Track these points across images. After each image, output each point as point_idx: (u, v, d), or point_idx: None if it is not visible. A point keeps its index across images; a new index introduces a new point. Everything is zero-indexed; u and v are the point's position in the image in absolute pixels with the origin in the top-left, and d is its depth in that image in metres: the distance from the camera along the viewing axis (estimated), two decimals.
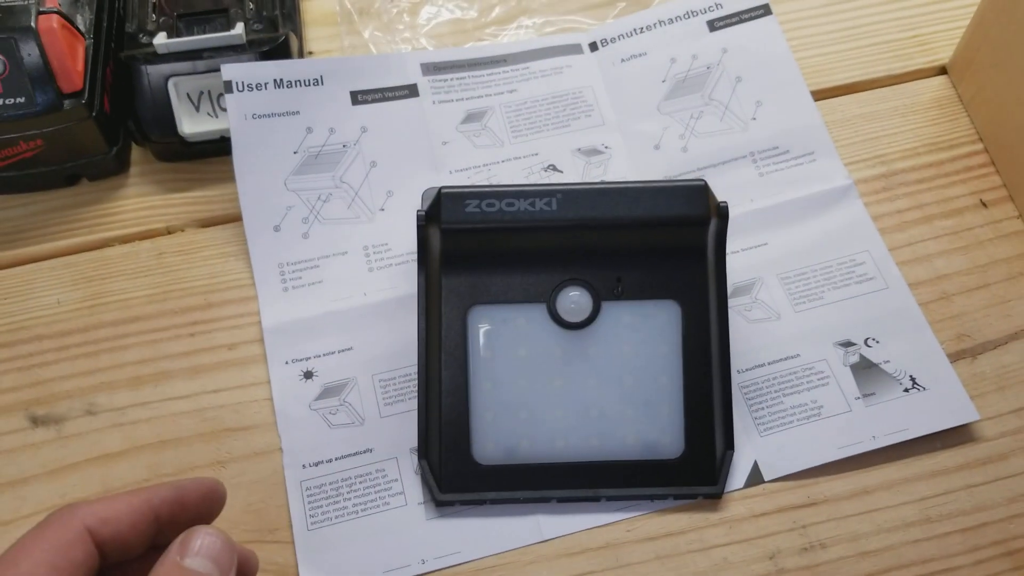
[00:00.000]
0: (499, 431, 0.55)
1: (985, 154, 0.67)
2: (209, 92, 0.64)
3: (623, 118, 0.68)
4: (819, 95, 0.69)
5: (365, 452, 0.57)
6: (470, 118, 0.67)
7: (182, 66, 0.63)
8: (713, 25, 0.70)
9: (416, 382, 0.57)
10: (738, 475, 0.56)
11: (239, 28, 0.64)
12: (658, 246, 0.55)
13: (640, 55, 0.69)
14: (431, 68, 0.68)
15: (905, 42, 0.72)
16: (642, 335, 0.55)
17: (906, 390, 0.58)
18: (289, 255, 0.62)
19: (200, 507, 0.44)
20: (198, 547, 0.40)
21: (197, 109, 0.65)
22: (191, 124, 0.64)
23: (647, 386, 0.55)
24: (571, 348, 0.55)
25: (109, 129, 0.64)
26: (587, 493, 0.55)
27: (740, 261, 0.62)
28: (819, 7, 0.73)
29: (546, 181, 0.65)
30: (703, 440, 0.55)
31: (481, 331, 0.55)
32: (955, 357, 0.59)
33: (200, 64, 0.63)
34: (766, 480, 0.56)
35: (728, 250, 0.56)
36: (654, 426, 0.55)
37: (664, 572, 0.53)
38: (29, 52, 0.59)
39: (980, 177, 0.66)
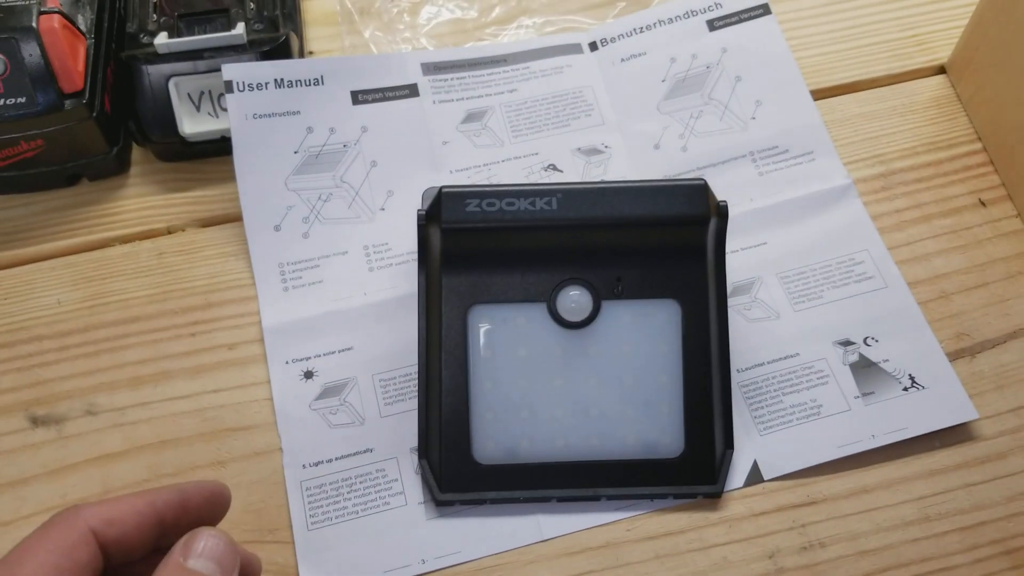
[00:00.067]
0: (499, 431, 0.55)
1: (984, 153, 0.67)
2: (210, 92, 0.64)
3: (623, 118, 0.68)
4: (818, 94, 0.69)
5: (365, 452, 0.57)
6: (470, 118, 0.67)
7: (183, 66, 0.63)
8: (713, 25, 0.70)
9: (416, 382, 0.57)
10: (738, 474, 0.56)
11: (240, 28, 0.64)
12: (658, 245, 0.55)
13: (640, 55, 0.70)
14: (431, 68, 0.68)
15: (904, 42, 0.72)
16: (642, 334, 0.55)
17: (905, 389, 0.58)
18: (289, 255, 0.62)
19: (204, 510, 0.44)
20: (201, 548, 0.40)
21: (198, 109, 0.65)
22: (192, 124, 0.64)
23: (647, 385, 0.55)
24: (571, 347, 0.55)
25: (110, 129, 0.64)
26: (587, 492, 0.55)
27: (740, 260, 0.62)
28: (818, 7, 0.73)
29: (546, 181, 0.65)
30: (703, 439, 0.55)
31: (481, 330, 0.55)
32: (954, 356, 0.59)
33: (201, 64, 0.63)
34: (765, 479, 0.56)
35: (728, 249, 0.56)
36: (654, 425, 0.55)
37: (664, 571, 0.53)
38: (30, 52, 0.59)
39: (979, 176, 0.66)
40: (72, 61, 0.60)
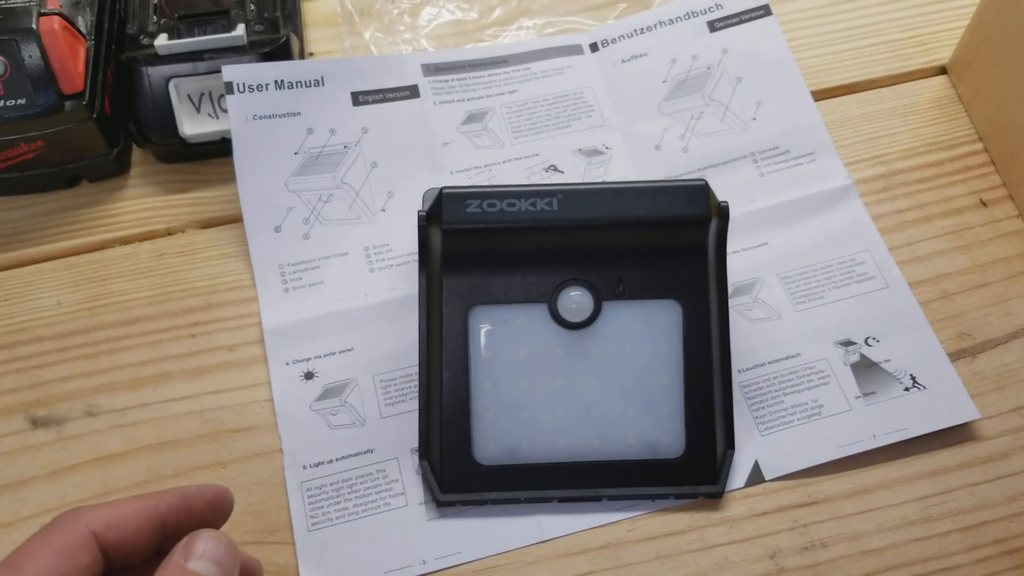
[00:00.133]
0: (500, 431, 0.55)
1: (985, 154, 0.67)
2: (210, 93, 0.64)
3: (624, 119, 0.68)
4: (819, 95, 0.69)
5: (366, 453, 0.57)
6: (471, 119, 0.67)
7: (183, 67, 0.63)
8: (713, 26, 0.70)
9: (417, 382, 0.57)
10: (739, 474, 0.56)
11: (240, 29, 0.64)
12: (659, 246, 0.55)
13: (641, 56, 0.70)
14: (432, 69, 0.68)
15: (905, 42, 0.72)
16: (643, 335, 0.55)
17: (906, 389, 0.58)
18: (290, 256, 0.62)
19: (206, 514, 0.44)
20: (202, 551, 0.40)
21: (198, 110, 0.65)
22: (192, 125, 0.64)
23: (648, 386, 0.55)
24: (572, 348, 0.55)
25: (110, 130, 0.64)
26: (588, 493, 0.55)
27: (741, 261, 0.62)
28: (819, 7, 0.73)
29: (547, 182, 0.65)
30: (704, 439, 0.55)
31: (482, 331, 0.55)
32: (955, 356, 0.59)
33: (201, 65, 0.63)
34: (767, 479, 0.56)
35: (729, 250, 0.56)
36: (655, 426, 0.55)
37: (665, 572, 0.53)
38: (30, 53, 0.59)
39: (980, 177, 0.66)
40: (72, 62, 0.60)
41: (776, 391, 0.58)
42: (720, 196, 0.55)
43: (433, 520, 0.55)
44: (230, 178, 0.64)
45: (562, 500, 0.55)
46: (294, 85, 0.65)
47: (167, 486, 0.55)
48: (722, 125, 0.67)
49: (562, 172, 0.66)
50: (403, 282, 0.61)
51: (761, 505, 0.55)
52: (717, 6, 0.70)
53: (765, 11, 0.70)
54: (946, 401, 0.57)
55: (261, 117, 0.64)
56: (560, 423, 0.55)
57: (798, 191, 0.65)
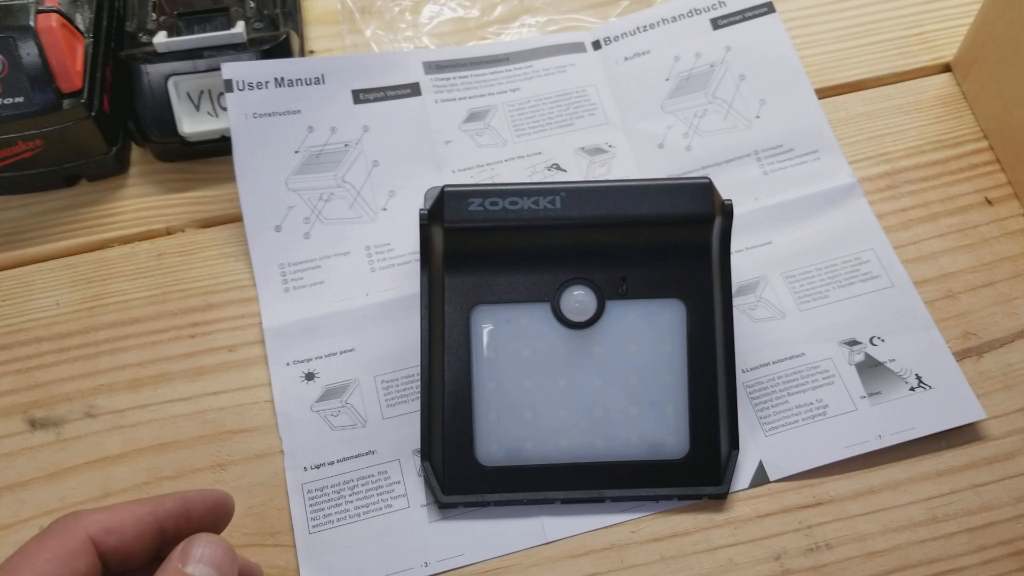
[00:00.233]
0: (503, 432, 0.54)
1: (990, 151, 0.66)
2: (209, 91, 0.64)
3: (627, 117, 0.67)
4: (823, 93, 0.69)
5: (367, 454, 0.56)
6: (473, 117, 0.67)
7: (182, 65, 0.63)
8: (716, 23, 0.70)
9: (419, 383, 0.57)
10: (743, 475, 0.55)
11: (240, 27, 0.64)
12: (662, 244, 0.55)
13: (643, 53, 0.69)
14: (433, 67, 0.68)
15: (909, 40, 0.72)
16: (646, 334, 0.55)
17: (912, 389, 0.57)
18: (290, 255, 0.62)
19: (206, 520, 0.44)
20: (200, 554, 0.40)
21: (197, 109, 0.64)
22: (191, 124, 0.64)
23: (652, 386, 0.55)
24: (575, 348, 0.55)
25: (109, 129, 0.63)
26: (591, 494, 0.54)
27: (744, 260, 0.62)
28: (823, 5, 0.73)
29: (549, 180, 0.65)
30: (708, 440, 0.54)
31: (485, 331, 0.55)
32: (961, 355, 0.59)
33: (200, 63, 0.63)
34: (771, 480, 0.55)
35: (732, 249, 0.56)
36: (659, 426, 0.54)
37: (669, 573, 0.53)
38: (28, 51, 0.58)
39: (985, 175, 0.66)
40: (70, 60, 0.60)
41: (780, 391, 0.58)
42: (724, 194, 0.55)
43: (435, 522, 0.54)
44: (230, 177, 0.63)
45: (565, 501, 0.54)
46: (294, 83, 0.64)
47: (167, 488, 0.55)
48: (725, 123, 0.67)
49: (565, 171, 0.65)
50: (405, 282, 0.61)
51: (766, 506, 0.55)
52: (720, 3, 0.70)
53: (769, 8, 0.70)
54: (952, 401, 0.57)
55: (261, 115, 0.63)
56: (563, 423, 0.54)
57: (802, 189, 0.64)
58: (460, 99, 0.67)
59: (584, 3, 0.74)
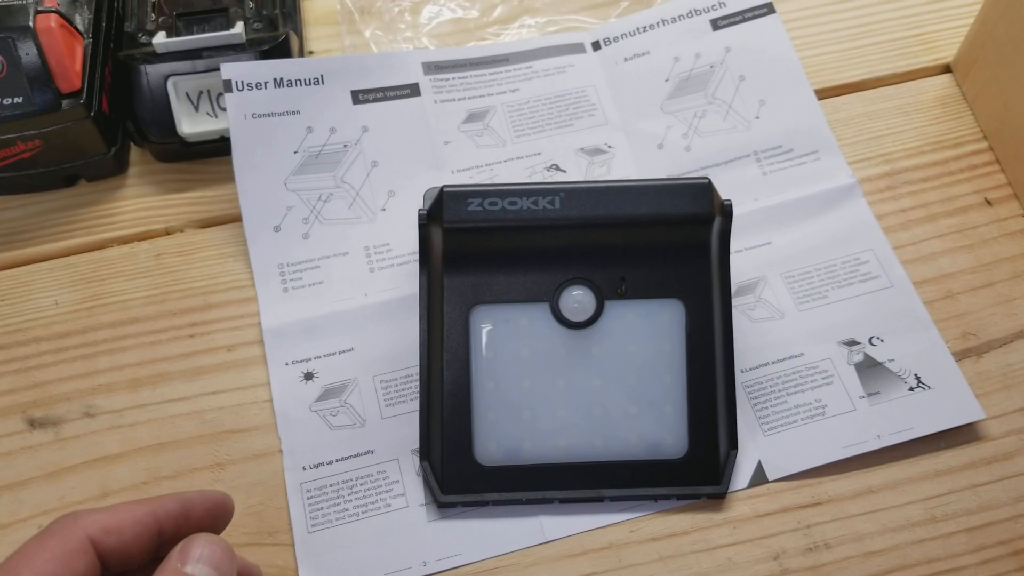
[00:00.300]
0: (501, 432, 0.54)
1: (990, 152, 0.66)
2: (208, 92, 0.64)
3: (626, 117, 0.67)
4: (823, 94, 0.69)
5: (366, 454, 0.56)
6: (472, 117, 0.67)
7: (181, 65, 0.63)
8: (716, 24, 0.70)
9: (417, 383, 0.57)
10: (742, 475, 0.55)
11: (239, 27, 0.64)
12: (662, 245, 0.55)
13: (643, 54, 0.69)
14: (433, 67, 0.68)
15: (909, 40, 0.72)
16: (646, 334, 0.55)
17: (911, 389, 0.57)
18: (289, 256, 0.62)
19: (205, 521, 0.44)
20: (199, 554, 0.40)
21: (196, 109, 0.64)
22: (190, 124, 0.64)
23: (651, 386, 0.55)
24: (574, 348, 0.55)
25: (108, 129, 0.63)
26: (590, 494, 0.54)
27: (744, 260, 0.62)
28: (822, 6, 0.73)
29: (549, 180, 0.65)
30: (707, 440, 0.54)
31: (484, 331, 0.55)
32: (960, 356, 0.59)
33: (199, 63, 0.63)
34: (770, 480, 0.55)
35: (732, 249, 0.56)
36: (658, 426, 0.54)
37: (667, 573, 0.53)
38: (27, 52, 0.58)
39: (985, 175, 0.66)
40: (69, 61, 0.60)
41: (779, 391, 0.58)
42: (723, 195, 0.55)
43: (434, 521, 0.54)
44: (229, 177, 0.63)
45: (564, 501, 0.54)
46: (293, 83, 0.64)
47: (165, 487, 0.55)
48: (725, 124, 0.67)
49: (564, 171, 0.65)
50: (404, 282, 0.61)
51: (764, 506, 0.55)
52: (720, 4, 0.70)
53: (768, 9, 0.70)
54: (951, 401, 0.57)
55: (260, 116, 0.63)
56: (562, 423, 0.54)
57: (801, 190, 0.64)
58: (459, 100, 0.67)
59: (584, 4, 0.74)
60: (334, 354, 0.59)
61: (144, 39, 0.64)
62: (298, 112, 0.64)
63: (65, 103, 0.60)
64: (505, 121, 0.67)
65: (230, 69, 0.63)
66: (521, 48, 0.70)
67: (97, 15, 0.64)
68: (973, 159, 0.66)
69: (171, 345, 0.60)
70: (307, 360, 0.59)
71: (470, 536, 0.54)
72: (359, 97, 0.66)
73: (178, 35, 0.64)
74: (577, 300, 0.55)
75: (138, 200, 0.65)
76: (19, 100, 0.59)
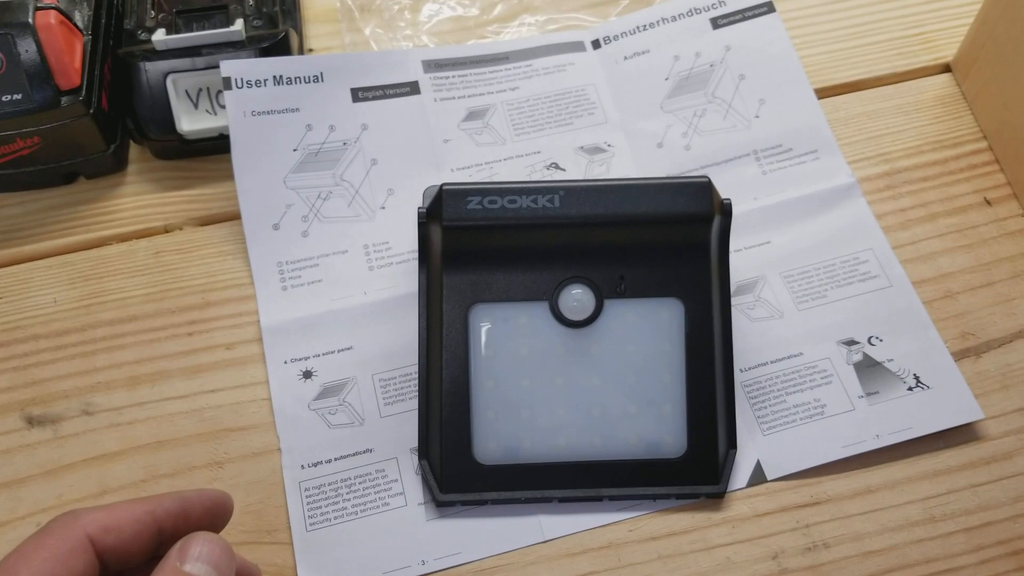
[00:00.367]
0: (500, 430, 0.54)
1: (989, 152, 0.66)
2: (208, 89, 0.64)
3: (626, 116, 0.67)
4: (822, 93, 0.69)
5: (365, 452, 0.56)
6: (472, 116, 0.67)
7: (181, 63, 0.63)
8: (716, 23, 0.69)
9: (416, 381, 0.57)
10: (741, 474, 0.55)
11: (238, 24, 0.64)
12: (661, 243, 0.55)
13: (643, 53, 0.69)
14: (433, 65, 0.68)
15: (909, 40, 0.72)
16: (645, 333, 0.55)
17: (910, 389, 0.57)
18: (288, 254, 0.62)
19: (204, 519, 0.44)
20: (198, 553, 0.40)
21: (196, 106, 0.64)
22: (190, 122, 0.64)
23: (650, 385, 0.55)
24: (573, 346, 0.55)
25: (107, 127, 0.63)
26: (589, 493, 0.54)
27: (743, 259, 0.62)
28: (822, 5, 0.73)
29: (548, 179, 0.65)
30: (706, 439, 0.54)
31: (483, 329, 0.55)
32: (959, 355, 0.59)
33: (199, 61, 0.63)
34: (769, 479, 0.55)
35: (731, 248, 0.56)
36: (657, 425, 0.54)
37: (666, 572, 0.53)
38: (26, 48, 0.58)
39: (984, 175, 0.66)
40: (69, 57, 0.60)
41: (778, 390, 0.58)
42: (723, 194, 0.55)
43: (433, 520, 0.54)
44: (228, 175, 0.63)
45: (563, 500, 0.54)
46: (293, 81, 0.64)
47: (164, 485, 0.55)
48: (725, 123, 0.67)
49: (564, 170, 0.65)
50: (403, 280, 0.61)
51: (763, 505, 0.55)
52: (720, 3, 0.70)
53: (768, 8, 0.70)
54: (950, 401, 0.57)
55: (259, 113, 0.63)
56: (561, 422, 0.54)
57: (801, 189, 0.64)
58: (459, 98, 0.67)
59: (584, 2, 0.74)
60: (333, 352, 0.59)
61: (143, 36, 0.64)
62: (297, 110, 0.64)
63: (64, 100, 0.60)
64: (505, 119, 0.67)
65: (229, 66, 0.63)
66: (521, 46, 0.69)
67: (97, 12, 0.64)
68: (973, 159, 0.66)
69: (170, 343, 0.60)
70: (306, 358, 0.59)
71: (469, 535, 0.54)
72: (359, 95, 0.66)
73: (177, 32, 0.64)
74: (576, 299, 0.55)
75: (137, 198, 0.65)
76: (18, 97, 0.59)
